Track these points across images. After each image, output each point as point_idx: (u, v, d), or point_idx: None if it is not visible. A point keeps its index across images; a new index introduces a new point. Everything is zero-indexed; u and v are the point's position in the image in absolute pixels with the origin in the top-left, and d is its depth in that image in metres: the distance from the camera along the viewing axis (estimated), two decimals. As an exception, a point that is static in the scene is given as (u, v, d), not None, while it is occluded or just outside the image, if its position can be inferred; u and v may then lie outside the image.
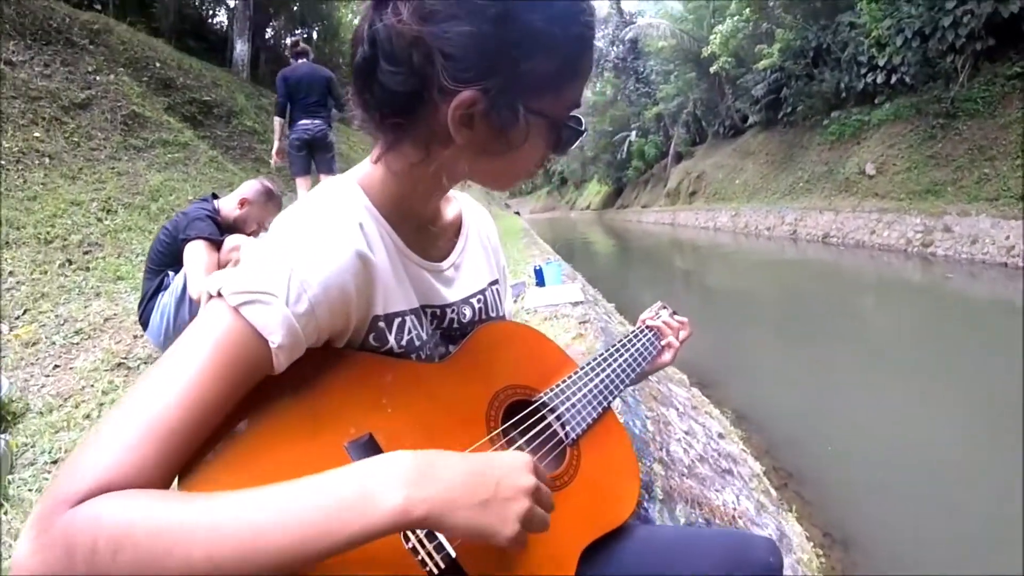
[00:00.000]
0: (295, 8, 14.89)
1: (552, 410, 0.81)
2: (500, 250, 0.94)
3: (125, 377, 2.66)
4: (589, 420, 0.84)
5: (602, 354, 0.97)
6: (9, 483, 1.84)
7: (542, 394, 0.82)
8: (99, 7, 8.73)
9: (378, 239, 0.65)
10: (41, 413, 2.33)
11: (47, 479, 1.86)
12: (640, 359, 1.02)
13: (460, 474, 0.51)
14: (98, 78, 6.54)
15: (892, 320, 6.34)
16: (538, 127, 0.62)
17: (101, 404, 2.40)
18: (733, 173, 20.44)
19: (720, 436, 2.83)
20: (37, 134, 5.25)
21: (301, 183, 5.04)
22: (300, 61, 5.06)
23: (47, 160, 5.09)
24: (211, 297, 0.55)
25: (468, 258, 0.83)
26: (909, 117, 12.51)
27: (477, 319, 0.82)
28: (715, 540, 0.84)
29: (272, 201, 2.70)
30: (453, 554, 0.53)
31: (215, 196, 2.70)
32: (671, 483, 1.79)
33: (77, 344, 3.03)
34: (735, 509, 1.96)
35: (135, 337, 3.04)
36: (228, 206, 2.62)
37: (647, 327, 1.11)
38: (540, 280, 4.25)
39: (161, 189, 5.67)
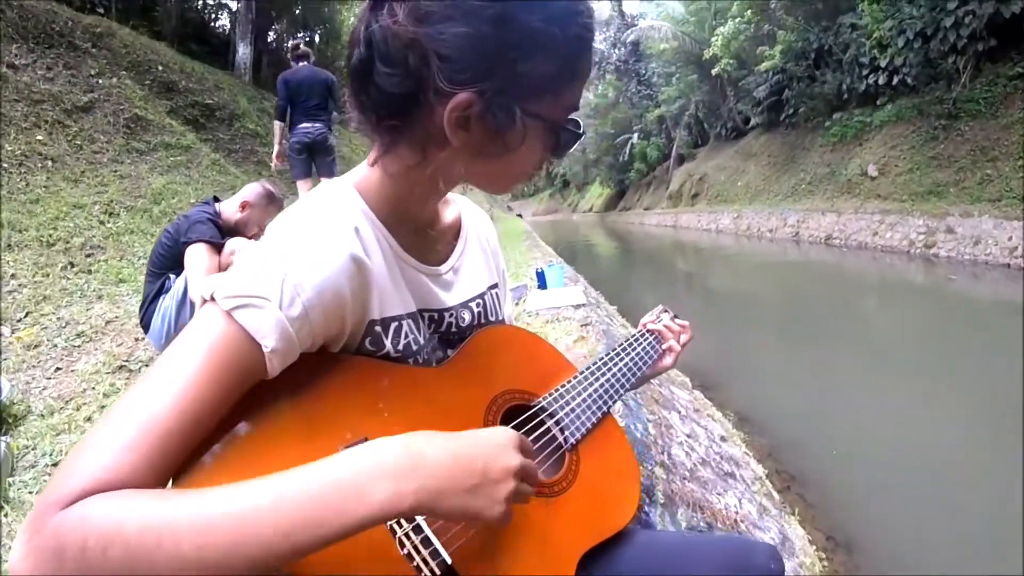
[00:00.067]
0: (297, 11, 14.91)
1: (551, 415, 0.81)
2: (500, 254, 0.93)
3: (126, 380, 2.66)
4: (588, 425, 0.83)
5: (602, 358, 0.96)
6: (10, 485, 1.84)
7: (541, 399, 0.81)
8: (102, 11, 8.74)
9: (374, 243, 0.65)
10: (42, 415, 2.34)
11: (48, 481, 1.86)
12: (640, 363, 1.02)
13: (447, 460, 0.50)
14: (100, 81, 6.57)
15: (895, 322, 6.32)
16: (536, 129, 0.62)
17: (102, 407, 2.40)
18: (735, 175, 20.43)
19: (722, 439, 2.82)
20: (40, 137, 5.27)
21: (302, 186, 5.05)
22: (301, 64, 5.07)
23: (49, 163, 5.10)
24: (205, 301, 0.55)
25: (467, 262, 0.82)
26: (911, 118, 12.49)
27: (476, 323, 0.81)
28: (716, 546, 0.84)
29: (273, 204, 2.70)
30: (449, 560, 0.53)
31: (216, 199, 2.70)
32: (672, 487, 1.78)
33: (79, 347, 3.03)
34: (737, 513, 1.95)
35: (136, 340, 3.04)
36: (229, 209, 2.62)
37: (648, 331, 1.10)
38: (542, 283, 4.25)
39: (163, 192, 5.69)
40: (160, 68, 7.89)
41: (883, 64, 13.05)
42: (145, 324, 2.51)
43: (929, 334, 5.70)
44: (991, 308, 6.66)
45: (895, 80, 13.07)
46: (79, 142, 5.62)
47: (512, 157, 0.62)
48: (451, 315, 0.77)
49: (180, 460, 0.50)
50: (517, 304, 3.86)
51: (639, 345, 1.05)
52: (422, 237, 0.74)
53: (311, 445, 0.56)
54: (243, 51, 11.16)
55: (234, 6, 13.17)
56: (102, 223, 4.75)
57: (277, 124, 4.99)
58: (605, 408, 0.87)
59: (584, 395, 0.86)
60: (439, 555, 0.53)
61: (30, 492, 1.80)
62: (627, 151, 32.85)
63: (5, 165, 4.72)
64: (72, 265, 4.05)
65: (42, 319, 3.30)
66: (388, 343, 0.67)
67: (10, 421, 2.26)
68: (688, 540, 0.92)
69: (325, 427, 0.58)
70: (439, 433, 0.53)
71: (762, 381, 4.52)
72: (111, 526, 0.42)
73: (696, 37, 23.10)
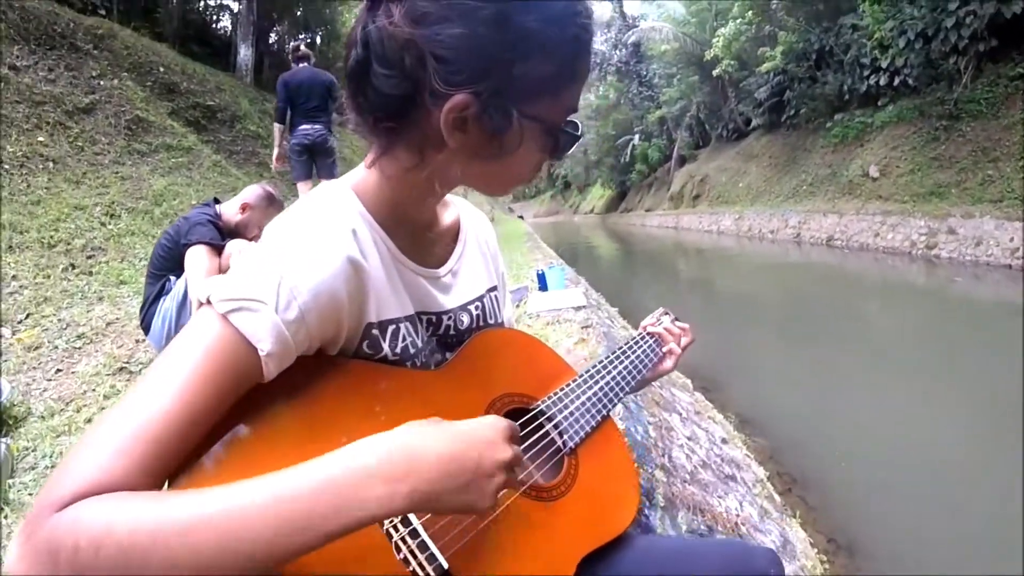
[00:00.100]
0: (298, 13, 14.93)
1: (550, 418, 0.80)
2: (499, 256, 0.93)
3: (127, 381, 2.66)
4: (587, 429, 0.82)
5: (601, 361, 0.96)
6: (10, 487, 1.84)
7: (540, 402, 0.81)
8: (103, 12, 8.75)
9: (371, 245, 0.64)
10: (43, 417, 2.34)
11: (44, 484, 1.86)
12: (640, 366, 1.01)
13: (442, 459, 0.50)
14: (102, 83, 6.58)
15: (896, 323, 6.31)
16: (533, 131, 0.61)
17: (102, 408, 2.40)
18: (736, 176, 20.42)
19: (723, 441, 2.82)
20: (41, 138, 5.28)
21: (303, 188, 5.05)
22: (301, 65, 5.07)
23: (51, 164, 5.11)
24: (201, 304, 0.55)
25: (466, 264, 0.82)
26: (912, 119, 12.48)
27: (475, 326, 0.80)
28: (715, 550, 0.83)
29: (273, 206, 2.70)
30: (445, 565, 0.53)
31: (217, 201, 2.70)
32: (673, 490, 1.77)
33: (79, 348, 3.04)
34: (738, 515, 1.94)
35: (137, 341, 3.04)
36: (230, 211, 2.62)
37: (648, 334, 1.10)
38: (543, 284, 4.25)
39: (164, 194, 5.70)
40: (162, 70, 7.90)
41: (884, 65, 13.05)
42: (145, 326, 2.51)
43: (930, 335, 5.69)
44: (993, 309, 6.65)
45: (896, 81, 13.06)
46: (80, 144, 5.63)
47: (510, 159, 0.62)
48: (449, 318, 0.76)
49: (175, 463, 0.50)
50: (518, 306, 3.86)
51: (639, 348, 1.04)
52: (420, 239, 0.74)
53: (308, 448, 0.55)
54: (244, 52, 11.18)
55: (235, 8, 13.21)
56: (103, 225, 4.76)
57: (276, 126, 5.00)
58: (604, 412, 0.87)
59: (583, 399, 0.85)
60: (436, 559, 0.53)
61: (30, 494, 1.79)
62: (628, 152, 32.85)
63: (6, 166, 4.73)
64: (73, 267, 4.06)
65: (43, 321, 3.30)
66: (386, 346, 0.66)
67: (10, 423, 2.26)
68: (687, 544, 0.91)
69: (322, 431, 0.57)
70: (433, 425, 0.53)
71: (764, 383, 4.52)
72: (102, 527, 0.42)
73: (697, 38, 23.11)
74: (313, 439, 0.56)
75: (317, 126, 4.96)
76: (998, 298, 7.10)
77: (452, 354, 0.75)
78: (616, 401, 0.91)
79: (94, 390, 2.58)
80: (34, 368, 2.80)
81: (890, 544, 2.43)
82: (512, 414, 0.76)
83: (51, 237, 4.24)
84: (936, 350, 5.11)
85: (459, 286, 0.79)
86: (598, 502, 0.78)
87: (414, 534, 0.53)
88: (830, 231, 12.85)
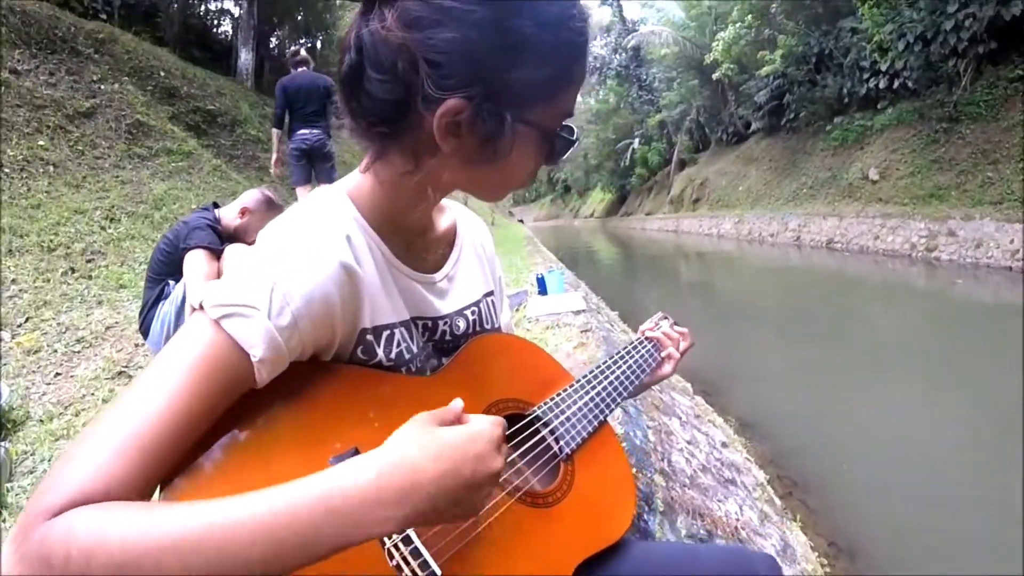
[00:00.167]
0: (299, 17, 14.98)
1: (546, 424, 0.80)
2: (496, 261, 0.92)
3: (126, 386, 2.65)
4: (584, 434, 0.82)
5: (598, 366, 0.95)
6: (8, 491, 1.84)
7: (536, 408, 0.80)
8: (104, 16, 8.79)
9: (366, 251, 0.64)
10: (42, 421, 2.34)
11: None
12: (638, 371, 1.00)
13: (437, 477, 0.49)
14: (103, 87, 6.59)
15: (896, 325, 6.31)
16: (528, 136, 0.61)
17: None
18: (736, 180, 20.45)
19: (723, 445, 2.81)
20: (41, 142, 5.29)
21: (302, 192, 5.05)
22: (300, 70, 5.07)
23: (51, 168, 5.12)
24: (194, 310, 0.55)
25: (462, 269, 0.81)
26: (912, 122, 12.51)
27: (471, 331, 0.80)
28: (713, 556, 0.83)
29: (273, 210, 2.69)
30: (439, 572, 0.52)
31: (216, 205, 2.70)
32: (672, 494, 1.77)
33: (78, 352, 3.03)
34: (738, 520, 1.93)
35: (136, 346, 3.04)
36: (229, 215, 2.62)
37: (646, 338, 1.09)
38: (542, 289, 4.25)
39: (165, 198, 5.70)
40: (162, 74, 7.92)
41: (884, 68, 13.09)
42: (144, 330, 2.50)
43: (931, 338, 5.68)
44: (994, 311, 6.64)
45: (896, 84, 13.10)
46: (81, 147, 5.64)
47: (504, 164, 0.61)
48: (445, 323, 0.76)
49: (167, 469, 0.50)
50: (517, 310, 3.86)
51: (637, 353, 1.04)
52: (416, 245, 0.74)
53: (301, 455, 0.55)
54: (245, 57, 11.21)
55: (236, 12, 13.24)
56: (103, 229, 4.76)
57: (274, 132, 5.00)
58: (601, 417, 0.86)
59: (580, 404, 0.85)
60: (429, 567, 0.52)
61: (28, 498, 1.79)
62: (628, 156, 32.90)
63: (7, 170, 4.73)
64: (73, 270, 4.06)
65: (42, 324, 3.30)
66: (380, 352, 0.66)
67: (9, 426, 2.25)
68: (685, 551, 0.91)
69: (315, 437, 0.57)
70: (427, 434, 0.51)
71: (764, 386, 4.51)
72: (94, 538, 0.42)
73: (697, 42, 23.19)
74: (305, 445, 0.56)
75: (316, 131, 4.96)
76: (998, 300, 7.09)
77: (448, 359, 0.75)
78: (613, 407, 0.90)
79: (93, 394, 2.58)
80: (33, 372, 2.80)
81: (891, 547, 2.42)
82: (508, 420, 0.75)
83: (51, 241, 4.24)
84: (936, 353, 5.10)
85: (455, 291, 0.79)
86: (594, 508, 0.77)
87: (407, 540, 0.53)
88: (830, 234, 12.86)
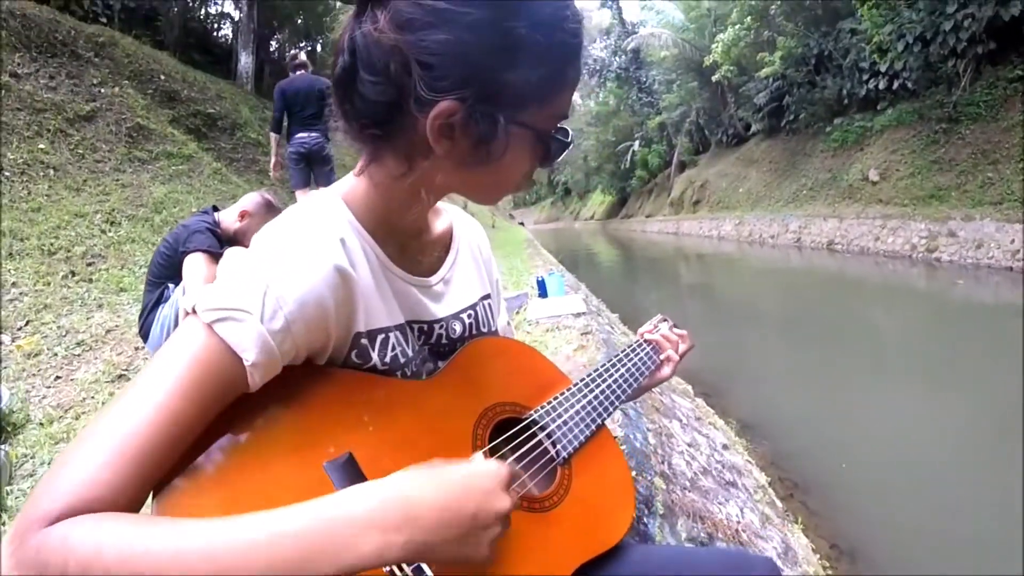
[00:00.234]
0: (299, 21, 15.02)
1: (543, 428, 0.79)
2: (493, 263, 0.92)
3: (122, 389, 2.65)
4: (582, 438, 0.81)
5: (596, 370, 0.94)
6: (8, 494, 1.83)
7: (533, 411, 0.79)
8: (104, 20, 8.80)
9: (360, 254, 0.64)
10: (41, 424, 2.34)
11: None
12: (637, 374, 1.00)
13: (438, 510, 0.49)
14: (103, 90, 6.60)
15: (897, 327, 6.30)
16: (522, 138, 0.60)
17: (100, 416, 2.39)
18: (736, 181, 20.46)
19: (724, 447, 2.80)
20: (42, 146, 5.30)
21: (302, 196, 5.05)
22: (299, 73, 5.07)
23: (51, 172, 5.13)
24: (188, 314, 0.54)
25: (459, 272, 0.81)
26: (912, 122, 12.52)
27: (468, 334, 0.79)
28: (713, 559, 0.82)
29: (272, 213, 2.68)
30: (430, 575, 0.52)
31: (216, 208, 2.70)
32: (672, 497, 1.76)
33: (79, 355, 3.03)
34: (739, 522, 1.92)
35: (136, 349, 3.04)
36: (228, 219, 2.62)
37: (645, 341, 1.08)
38: (542, 291, 4.25)
39: (165, 201, 5.71)
40: (162, 77, 7.94)
41: (883, 69, 13.10)
42: (144, 333, 2.50)
43: (932, 339, 5.67)
44: (994, 312, 6.64)
45: (895, 84, 13.11)
46: (81, 151, 5.65)
47: (498, 166, 0.61)
48: (441, 327, 0.75)
49: (160, 474, 0.50)
50: (518, 312, 3.86)
51: (635, 356, 1.03)
52: (411, 248, 0.73)
53: (294, 460, 0.55)
54: (245, 60, 11.23)
55: (236, 16, 13.27)
56: (103, 232, 4.77)
57: (272, 136, 5.00)
58: (599, 421, 0.86)
59: (577, 408, 0.84)
60: (422, 572, 0.52)
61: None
62: (628, 158, 32.94)
63: (7, 173, 4.74)
64: (73, 274, 4.06)
65: (42, 328, 3.30)
66: (375, 356, 0.66)
67: (9, 430, 2.25)
68: (684, 554, 0.90)
69: (309, 441, 0.57)
70: (429, 472, 0.52)
71: (765, 388, 4.50)
72: (91, 550, 0.42)
73: (696, 44, 23.22)
74: (299, 450, 0.56)
75: (314, 134, 4.96)
76: (999, 301, 7.08)
77: (444, 363, 0.74)
78: (611, 410, 0.90)
79: (93, 397, 2.58)
80: (33, 375, 2.80)
81: (893, 549, 2.41)
82: (504, 424, 0.75)
83: (51, 244, 4.25)
84: (937, 354, 5.10)
85: (451, 294, 0.78)
86: (592, 512, 0.77)
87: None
88: (830, 235, 12.85)
